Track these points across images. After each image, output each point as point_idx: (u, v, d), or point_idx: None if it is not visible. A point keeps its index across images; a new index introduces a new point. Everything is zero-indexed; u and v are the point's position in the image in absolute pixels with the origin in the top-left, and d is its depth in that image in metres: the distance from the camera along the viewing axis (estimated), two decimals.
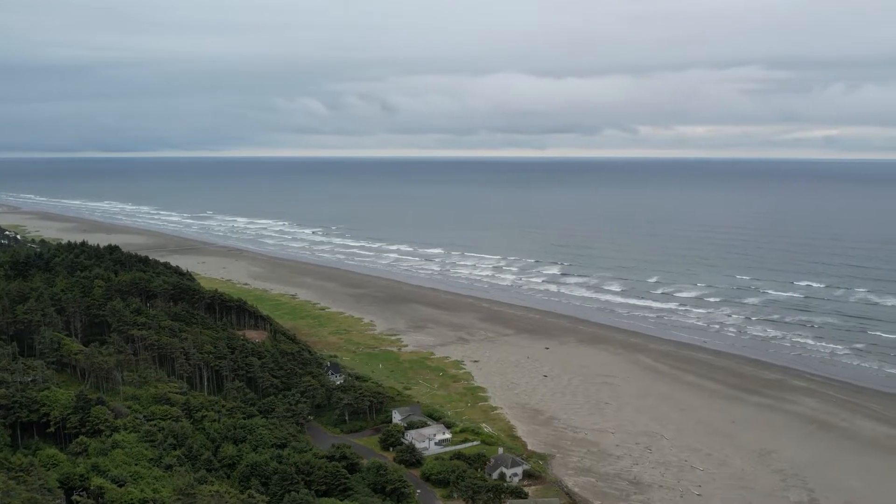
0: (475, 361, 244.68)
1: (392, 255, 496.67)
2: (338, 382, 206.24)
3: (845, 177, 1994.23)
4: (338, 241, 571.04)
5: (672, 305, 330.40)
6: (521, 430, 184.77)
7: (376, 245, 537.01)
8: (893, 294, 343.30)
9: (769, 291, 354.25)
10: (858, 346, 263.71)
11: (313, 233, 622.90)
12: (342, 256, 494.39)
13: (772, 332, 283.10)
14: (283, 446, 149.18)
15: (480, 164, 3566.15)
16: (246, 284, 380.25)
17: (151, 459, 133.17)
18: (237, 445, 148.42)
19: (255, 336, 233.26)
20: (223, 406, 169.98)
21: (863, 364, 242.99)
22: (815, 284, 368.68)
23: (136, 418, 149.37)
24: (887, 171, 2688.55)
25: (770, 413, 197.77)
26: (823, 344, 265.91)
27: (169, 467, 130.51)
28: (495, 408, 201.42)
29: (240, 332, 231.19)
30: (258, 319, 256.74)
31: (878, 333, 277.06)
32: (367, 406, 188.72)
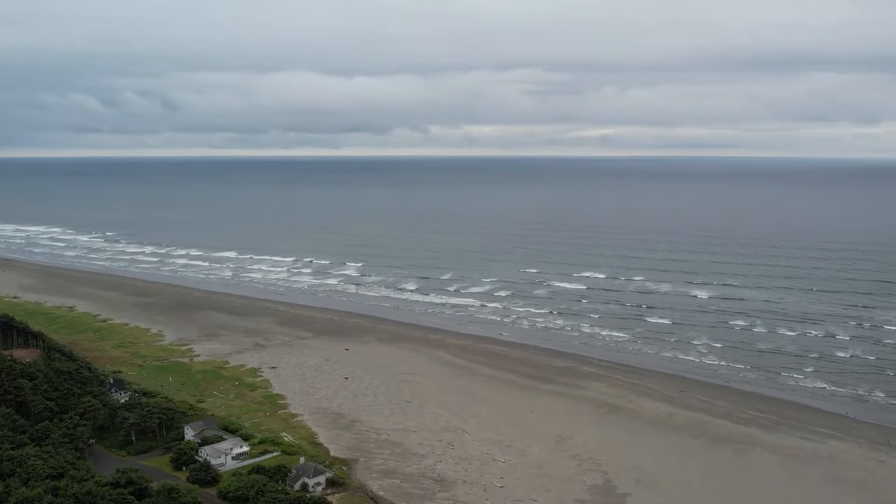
0: (273, 368, 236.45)
1: (181, 260, 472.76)
2: (123, 400, 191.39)
3: (620, 173, 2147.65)
4: (120, 247, 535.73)
5: (467, 300, 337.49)
6: (323, 437, 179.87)
7: (163, 250, 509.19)
8: (666, 281, 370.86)
9: (555, 283, 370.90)
10: (638, 330, 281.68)
11: (92, 239, 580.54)
12: (125, 263, 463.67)
13: (560, 322, 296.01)
14: (59, 476, 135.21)
15: (273, 163, 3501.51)
16: (15, 298, 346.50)
17: None
18: (4, 480, 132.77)
19: (25, 355, 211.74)
20: None
21: (643, 348, 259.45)
22: (596, 275, 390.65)
23: None
24: (656, 166, 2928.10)
25: (564, 400, 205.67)
26: (607, 332, 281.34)
27: None
28: (295, 415, 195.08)
29: (6, 352, 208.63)
30: (28, 336, 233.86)
31: (655, 320, 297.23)
32: (157, 424, 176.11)
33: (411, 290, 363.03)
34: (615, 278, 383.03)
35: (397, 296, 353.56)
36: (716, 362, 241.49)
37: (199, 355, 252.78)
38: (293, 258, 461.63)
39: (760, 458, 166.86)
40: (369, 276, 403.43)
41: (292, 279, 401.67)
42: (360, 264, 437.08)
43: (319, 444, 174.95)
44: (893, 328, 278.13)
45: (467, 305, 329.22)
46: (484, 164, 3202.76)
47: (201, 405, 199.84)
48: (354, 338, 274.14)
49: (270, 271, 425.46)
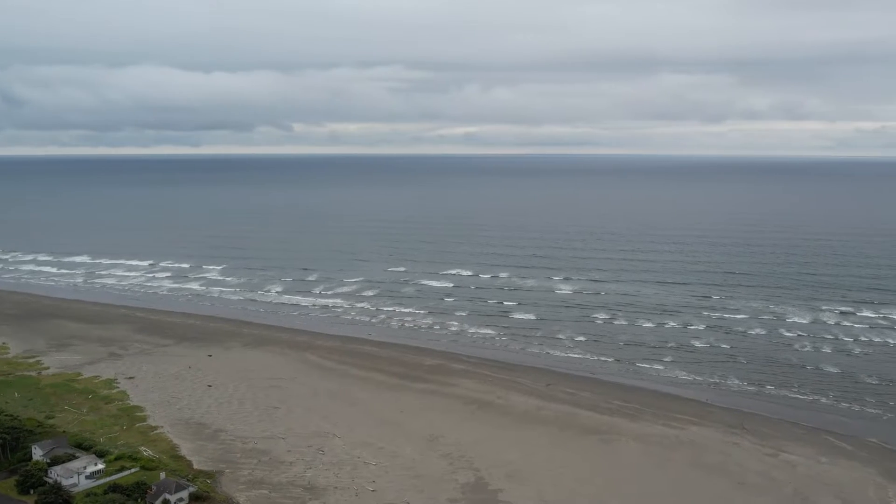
0: (130, 378, 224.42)
1: (27, 266, 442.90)
2: None
3: (484, 170, 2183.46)
4: None
5: (335, 301, 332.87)
6: (186, 449, 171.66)
7: (6, 256, 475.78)
8: (531, 277, 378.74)
9: (422, 282, 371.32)
10: (505, 326, 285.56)
11: None
12: None
13: (429, 321, 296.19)
14: None
15: (129, 162, 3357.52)
16: None
17: None
18: None
19: None
20: None
21: (510, 344, 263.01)
22: (462, 272, 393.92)
23: None
24: (519, 163, 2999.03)
25: (434, 398, 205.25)
26: (475, 328, 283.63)
27: None
28: (155, 427, 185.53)
29: None
30: None
31: (520, 315, 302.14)
32: (1, 444, 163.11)
33: (276, 292, 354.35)
34: (480, 275, 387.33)
35: (262, 298, 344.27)
36: (580, 355, 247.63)
37: (48, 368, 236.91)
38: (150, 261, 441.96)
39: (626, 446, 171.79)
40: (231, 278, 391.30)
41: (150, 283, 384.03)
42: (221, 266, 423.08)
43: (182, 457, 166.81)
44: (743, 317, 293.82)
45: (334, 306, 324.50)
46: (349, 162, 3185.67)
47: (51, 421, 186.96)
48: (218, 343, 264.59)
49: (126, 276, 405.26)
